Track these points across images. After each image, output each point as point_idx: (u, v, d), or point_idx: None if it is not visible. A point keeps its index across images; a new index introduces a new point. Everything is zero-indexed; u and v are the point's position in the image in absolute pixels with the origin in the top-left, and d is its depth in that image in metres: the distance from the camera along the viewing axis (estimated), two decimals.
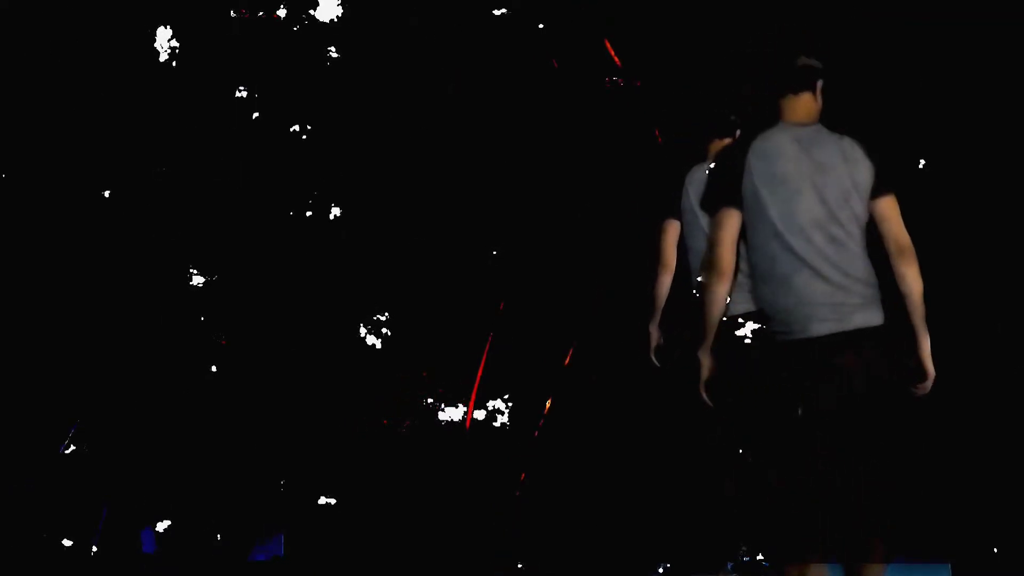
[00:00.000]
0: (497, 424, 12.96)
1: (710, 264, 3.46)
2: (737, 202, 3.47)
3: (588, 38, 10.55)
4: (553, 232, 10.95)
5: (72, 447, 10.69)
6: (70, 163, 10.22)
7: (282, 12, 10.81)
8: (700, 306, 3.45)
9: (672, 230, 4.79)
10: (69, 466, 10.59)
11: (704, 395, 3.48)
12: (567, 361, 11.32)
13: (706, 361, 3.51)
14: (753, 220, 3.48)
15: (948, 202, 9.18)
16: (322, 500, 11.66)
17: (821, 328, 3.35)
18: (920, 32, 9.15)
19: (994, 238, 9.27)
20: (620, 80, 10.66)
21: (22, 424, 10.23)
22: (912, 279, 3.50)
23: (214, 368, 11.19)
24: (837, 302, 3.36)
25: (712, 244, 3.47)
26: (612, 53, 10.51)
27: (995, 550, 9.35)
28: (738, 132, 5.53)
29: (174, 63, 10.60)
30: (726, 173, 3.49)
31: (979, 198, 9.29)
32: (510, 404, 12.87)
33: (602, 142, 10.63)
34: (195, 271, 11.20)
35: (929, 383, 3.52)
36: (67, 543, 10.37)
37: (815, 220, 3.42)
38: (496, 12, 10.67)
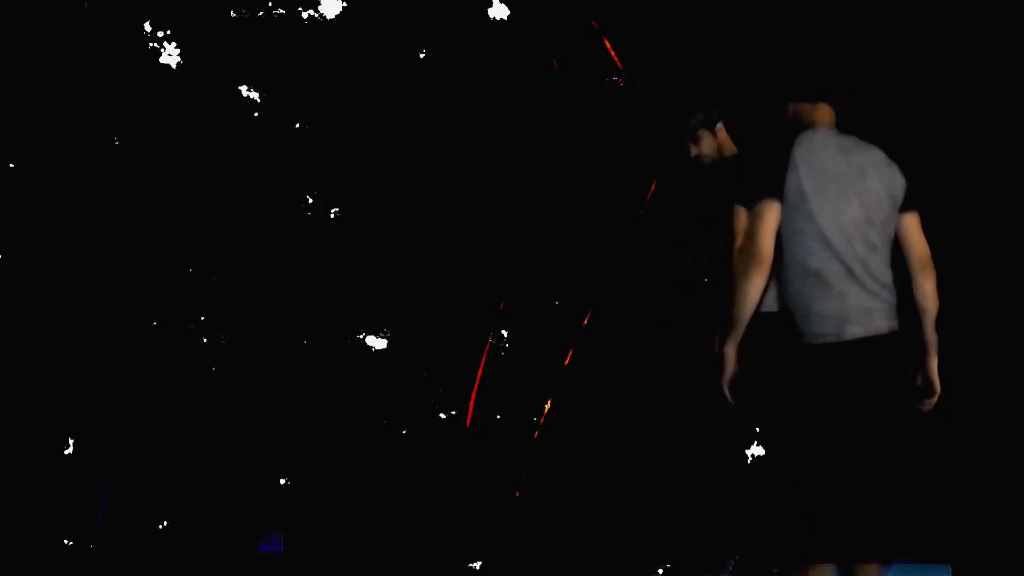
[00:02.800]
0: (497, 424, 12.94)
1: (749, 254, 3.39)
2: (779, 195, 3.45)
3: (588, 38, 10.55)
4: (553, 232, 10.94)
5: (72, 447, 10.68)
6: (70, 164, 10.22)
7: (282, 12, 10.81)
8: (732, 297, 3.39)
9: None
10: (69, 466, 10.59)
11: (727, 392, 3.40)
12: (567, 361, 11.31)
13: (732, 356, 3.43)
14: (794, 217, 3.45)
15: (959, 216, 9.17)
16: (322, 500, 11.66)
17: (852, 331, 3.36)
18: (933, 43, 9.14)
19: (994, 246, 9.27)
20: (620, 80, 10.66)
21: (22, 424, 10.23)
22: (932, 294, 3.55)
23: (214, 368, 11.20)
24: (867, 306, 3.38)
25: (752, 235, 3.41)
26: (612, 53, 10.51)
27: (995, 550, 9.35)
28: (718, 127, 5.48)
29: (174, 63, 10.60)
30: (769, 166, 3.47)
31: (988, 209, 9.29)
32: (510, 404, 12.87)
33: (602, 142, 10.63)
34: (195, 271, 11.21)
35: (935, 399, 3.53)
36: (67, 543, 10.37)
37: (856, 223, 3.43)
38: (496, 12, 10.67)
